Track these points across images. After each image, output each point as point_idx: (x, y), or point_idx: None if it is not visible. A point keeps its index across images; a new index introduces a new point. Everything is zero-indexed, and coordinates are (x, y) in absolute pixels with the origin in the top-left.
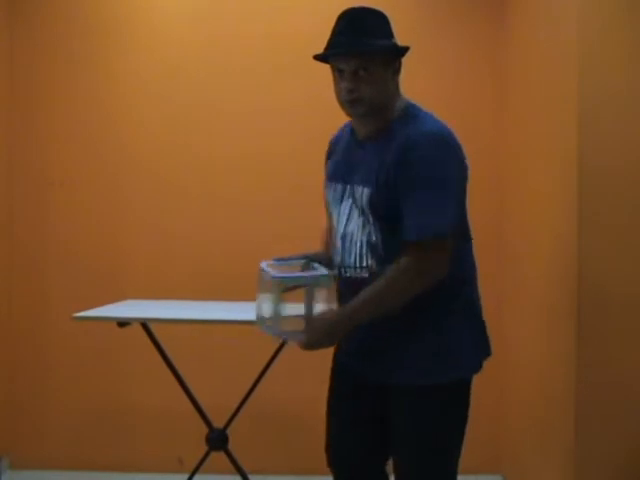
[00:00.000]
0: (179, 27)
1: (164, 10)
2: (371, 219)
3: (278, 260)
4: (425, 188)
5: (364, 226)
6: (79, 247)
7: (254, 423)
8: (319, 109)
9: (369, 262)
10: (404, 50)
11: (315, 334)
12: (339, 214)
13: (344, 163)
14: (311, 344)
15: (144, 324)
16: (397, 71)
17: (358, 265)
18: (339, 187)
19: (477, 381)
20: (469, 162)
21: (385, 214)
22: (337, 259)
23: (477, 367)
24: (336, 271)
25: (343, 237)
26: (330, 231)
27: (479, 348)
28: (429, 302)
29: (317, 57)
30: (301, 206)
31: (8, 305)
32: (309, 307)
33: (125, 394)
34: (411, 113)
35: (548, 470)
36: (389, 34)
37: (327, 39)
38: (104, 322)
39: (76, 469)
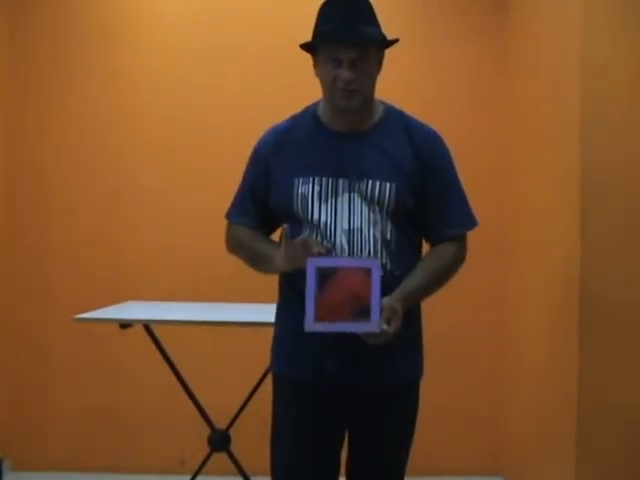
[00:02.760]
0: (178, 31)
1: (163, 14)
2: (386, 215)
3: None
4: (458, 182)
5: (376, 222)
6: (81, 249)
7: (256, 424)
8: None
9: (384, 260)
10: (395, 40)
11: (395, 321)
12: (332, 210)
13: (326, 157)
14: (393, 332)
15: (146, 325)
16: (381, 63)
17: None
18: (327, 181)
19: (478, 383)
20: (473, 167)
21: (405, 209)
22: (343, 256)
23: None
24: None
25: (349, 234)
26: (305, 226)
27: None
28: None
29: (311, 44)
30: None
31: (10, 307)
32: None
33: (127, 395)
34: (397, 111)
35: (549, 471)
36: (377, 21)
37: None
38: (106, 324)
39: (78, 470)
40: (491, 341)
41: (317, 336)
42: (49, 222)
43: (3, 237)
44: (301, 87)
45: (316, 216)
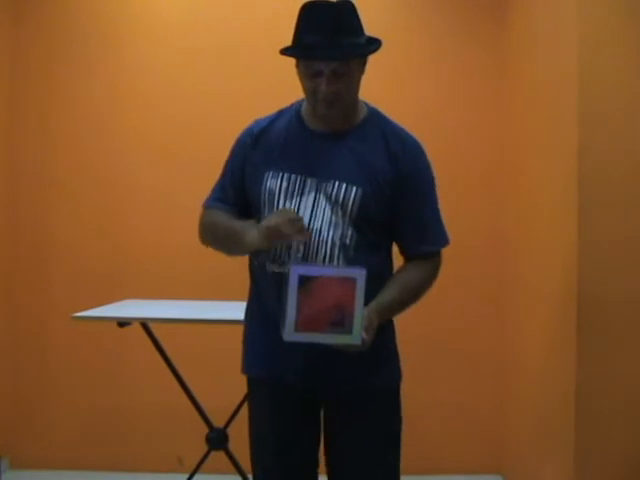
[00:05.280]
0: (179, 30)
1: (163, 13)
2: (348, 219)
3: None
4: (435, 196)
5: (337, 225)
6: (80, 247)
7: None
8: None
9: (339, 264)
10: (379, 45)
11: (370, 332)
12: (296, 207)
13: (300, 154)
14: (369, 343)
15: (144, 324)
16: (365, 64)
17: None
18: (295, 178)
19: (478, 382)
20: (471, 169)
21: (375, 217)
22: (297, 255)
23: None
24: (285, 269)
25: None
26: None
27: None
28: None
29: (289, 53)
30: None
31: (9, 305)
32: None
33: (125, 394)
34: (380, 115)
35: (548, 470)
36: (361, 27)
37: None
38: (104, 322)
39: (76, 469)
40: (491, 341)
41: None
42: (48, 220)
43: (2, 235)
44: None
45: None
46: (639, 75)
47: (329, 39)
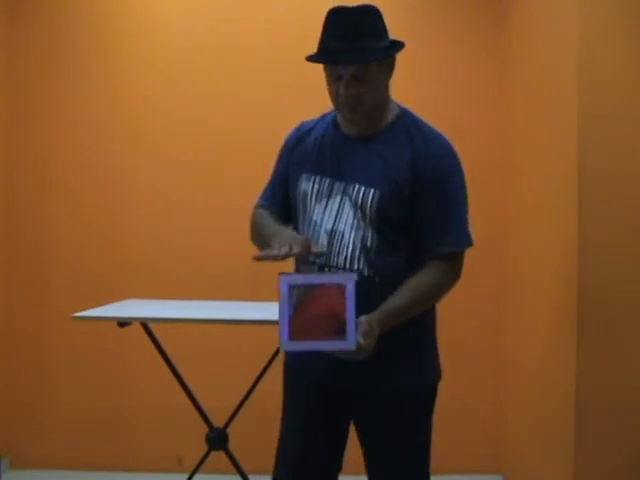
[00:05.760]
0: (178, 30)
1: (163, 13)
2: (369, 222)
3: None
4: (453, 201)
5: (358, 228)
6: (79, 247)
7: (254, 422)
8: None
9: (361, 266)
10: (402, 46)
11: (370, 338)
12: (324, 210)
13: (331, 158)
14: (368, 348)
15: (144, 324)
16: (392, 68)
17: (348, 267)
18: (325, 181)
19: (477, 382)
20: (470, 168)
21: (391, 218)
22: (321, 257)
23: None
24: (315, 268)
25: (331, 235)
26: (306, 223)
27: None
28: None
29: (311, 60)
30: None
31: (8, 305)
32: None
33: (125, 394)
34: (410, 117)
35: (548, 470)
36: (384, 31)
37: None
38: (104, 322)
39: (76, 469)
40: (490, 340)
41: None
42: (47, 220)
43: (2, 235)
44: (301, 87)
45: (309, 213)
46: (639, 74)
47: (347, 44)
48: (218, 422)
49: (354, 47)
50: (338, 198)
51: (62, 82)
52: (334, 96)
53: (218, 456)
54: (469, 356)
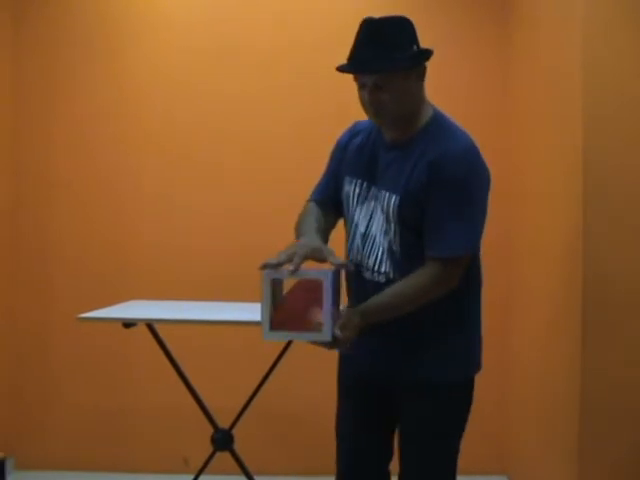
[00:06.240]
0: (182, 30)
1: (167, 13)
2: (394, 226)
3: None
4: (456, 207)
5: (387, 232)
6: (84, 248)
7: (259, 423)
8: (326, 113)
9: (387, 269)
10: (428, 56)
11: (349, 330)
12: (360, 212)
13: (369, 162)
14: (345, 340)
15: (149, 325)
16: (421, 76)
17: (377, 269)
18: (363, 185)
19: (482, 381)
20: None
21: (411, 223)
22: (357, 257)
23: (478, 369)
24: (352, 266)
25: (364, 237)
26: (349, 223)
27: (479, 356)
28: (454, 307)
29: (339, 69)
30: None
31: (13, 306)
32: (333, 302)
33: (130, 395)
34: (438, 123)
35: (552, 470)
36: (411, 42)
37: (335, 44)
38: (109, 323)
39: (81, 469)
40: (494, 341)
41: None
42: (52, 221)
43: (7, 237)
44: (304, 86)
45: (351, 214)
46: None
47: (369, 53)
48: (223, 423)
49: (376, 57)
50: (372, 203)
51: (66, 83)
52: (361, 102)
53: (223, 457)
54: None
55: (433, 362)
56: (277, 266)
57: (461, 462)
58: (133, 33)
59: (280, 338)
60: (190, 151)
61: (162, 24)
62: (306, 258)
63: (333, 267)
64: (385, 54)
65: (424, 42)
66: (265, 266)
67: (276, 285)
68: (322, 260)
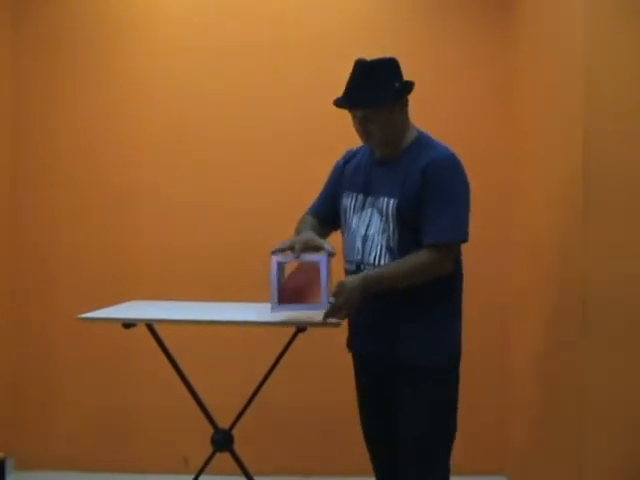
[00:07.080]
0: (182, 28)
1: (167, 11)
2: (391, 226)
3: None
4: (446, 201)
5: (384, 231)
6: (85, 248)
7: (260, 424)
8: (320, 117)
9: (386, 262)
10: (409, 89)
11: (343, 295)
12: (359, 219)
13: (363, 178)
14: (340, 306)
15: (149, 325)
16: (404, 106)
17: (377, 264)
18: (359, 197)
19: (482, 383)
20: (476, 171)
21: (407, 221)
22: (357, 257)
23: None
24: (354, 267)
25: (364, 239)
26: (347, 230)
27: (459, 340)
28: (442, 297)
29: (335, 103)
30: (303, 209)
31: (14, 306)
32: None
33: (130, 395)
34: (424, 141)
35: (552, 471)
36: (395, 79)
37: (337, 44)
38: (109, 323)
39: (81, 470)
40: (494, 342)
41: (358, 321)
42: (53, 222)
43: (8, 237)
44: (305, 85)
45: (349, 222)
46: None
47: (358, 92)
48: (223, 423)
49: (364, 94)
50: (369, 210)
51: (66, 82)
52: (355, 128)
53: (223, 457)
54: (472, 357)
55: (419, 347)
56: (281, 251)
57: (461, 462)
58: (133, 33)
59: (285, 310)
60: (190, 151)
61: (162, 24)
62: (305, 246)
63: (326, 254)
64: (371, 92)
65: (425, 45)
66: (274, 252)
67: (280, 268)
68: (317, 248)
